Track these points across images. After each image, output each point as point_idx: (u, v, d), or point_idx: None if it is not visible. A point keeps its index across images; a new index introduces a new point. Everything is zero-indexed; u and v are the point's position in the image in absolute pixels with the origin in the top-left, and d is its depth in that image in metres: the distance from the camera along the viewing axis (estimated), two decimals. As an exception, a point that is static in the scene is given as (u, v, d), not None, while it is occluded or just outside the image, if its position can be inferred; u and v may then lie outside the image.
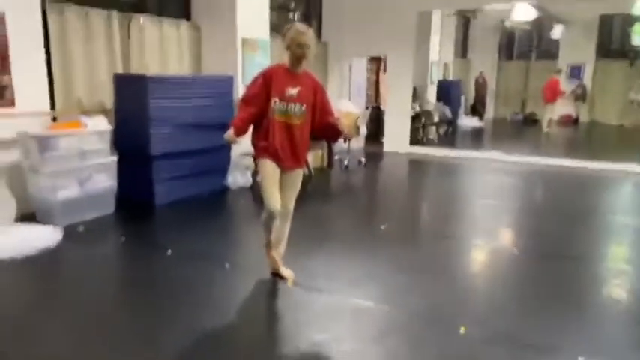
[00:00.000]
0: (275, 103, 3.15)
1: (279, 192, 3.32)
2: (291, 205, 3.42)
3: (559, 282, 3.65)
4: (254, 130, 3.31)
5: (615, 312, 3.23)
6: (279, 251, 3.52)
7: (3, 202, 4.34)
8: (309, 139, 3.38)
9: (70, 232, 4.35)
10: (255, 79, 3.25)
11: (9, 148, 4.55)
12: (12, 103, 4.59)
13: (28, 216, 4.55)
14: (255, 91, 3.20)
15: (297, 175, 3.39)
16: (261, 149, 3.25)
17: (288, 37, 3.17)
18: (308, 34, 3.18)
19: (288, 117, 3.19)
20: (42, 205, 4.58)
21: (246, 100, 3.26)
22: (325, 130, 3.41)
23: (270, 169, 3.24)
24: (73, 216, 4.59)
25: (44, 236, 4.12)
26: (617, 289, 3.59)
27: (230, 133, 3.19)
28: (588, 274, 3.85)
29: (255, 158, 3.35)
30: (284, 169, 3.30)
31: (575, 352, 2.63)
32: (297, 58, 3.18)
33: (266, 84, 3.17)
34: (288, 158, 3.26)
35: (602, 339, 2.81)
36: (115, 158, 5.00)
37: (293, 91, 3.18)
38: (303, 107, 3.22)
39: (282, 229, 3.46)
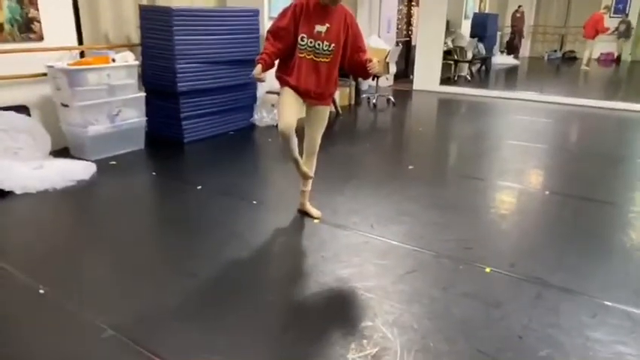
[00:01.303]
0: (303, 39, 3.05)
1: (305, 127, 3.29)
2: (318, 142, 3.38)
3: (589, 225, 3.60)
4: (280, 63, 3.21)
5: (645, 257, 3.18)
6: (305, 188, 3.53)
7: (38, 136, 4.44)
8: (337, 77, 3.29)
9: (102, 166, 4.46)
10: (285, 12, 3.10)
11: (41, 83, 4.60)
12: (40, 38, 4.59)
13: (61, 151, 4.67)
14: (284, 24, 3.06)
15: (324, 111, 3.33)
16: (286, 82, 3.17)
17: None
18: None
19: (316, 54, 3.09)
20: (74, 140, 4.68)
21: (273, 33, 3.13)
22: (355, 68, 3.29)
23: (290, 93, 3.15)
24: (104, 150, 4.68)
25: (79, 169, 4.23)
26: (648, 234, 3.53)
27: (258, 69, 3.07)
28: (620, 219, 3.78)
29: (280, 86, 3.24)
30: (309, 104, 3.25)
31: (600, 296, 2.63)
32: None
33: (295, 18, 3.04)
34: (314, 95, 3.19)
35: (630, 286, 2.79)
36: (143, 94, 5.02)
37: (322, 28, 3.05)
38: (332, 46, 3.09)
39: (308, 166, 3.45)
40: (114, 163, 4.63)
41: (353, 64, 3.25)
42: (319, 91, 3.20)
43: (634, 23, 13.50)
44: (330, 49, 3.10)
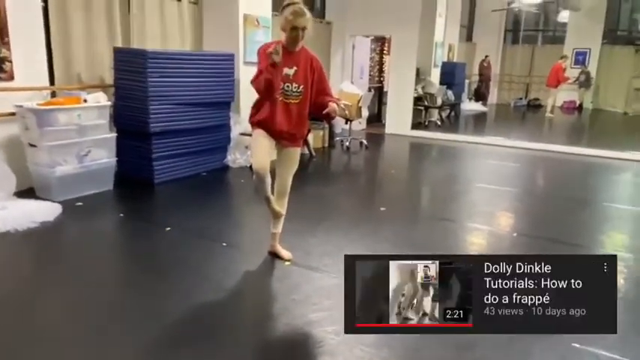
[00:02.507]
0: (276, 82, 3.09)
1: (277, 169, 3.32)
2: (288, 183, 3.39)
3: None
4: (254, 107, 3.26)
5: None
6: (275, 230, 3.50)
7: (2, 176, 4.31)
8: (307, 118, 3.34)
9: (68, 207, 4.34)
10: (260, 59, 3.13)
11: (8, 122, 4.52)
12: (11, 77, 4.54)
13: (26, 191, 4.54)
14: (266, 63, 3.02)
15: (294, 153, 3.36)
16: (258, 122, 3.21)
17: (284, 17, 3.08)
18: (304, 16, 3.06)
19: (286, 96, 3.15)
20: (40, 180, 4.57)
21: (262, 71, 3.07)
22: (320, 109, 3.30)
23: (262, 135, 3.20)
24: (71, 191, 4.57)
25: (43, 210, 4.12)
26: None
27: (276, 56, 2.95)
28: (586, 260, 3.85)
29: (252, 129, 3.29)
30: (281, 145, 3.27)
31: (570, 339, 2.63)
32: (292, 39, 3.11)
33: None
34: (286, 136, 3.23)
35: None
36: (114, 134, 4.97)
37: (290, 71, 3.13)
38: (301, 87, 3.17)
39: (280, 208, 3.44)
40: (80, 204, 4.52)
41: (318, 107, 3.29)
42: (291, 132, 3.24)
43: (593, 73, 14.26)
44: (299, 90, 3.17)
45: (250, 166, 6.13)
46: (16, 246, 3.68)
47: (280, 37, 3.25)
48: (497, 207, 5.26)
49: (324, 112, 3.23)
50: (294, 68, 3.14)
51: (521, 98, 15.63)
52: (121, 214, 4.56)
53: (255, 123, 3.24)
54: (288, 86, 3.14)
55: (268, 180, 3.25)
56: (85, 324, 2.66)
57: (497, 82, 15.69)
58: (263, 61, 3.07)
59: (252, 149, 3.29)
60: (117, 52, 5.30)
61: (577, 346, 2.55)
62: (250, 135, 3.40)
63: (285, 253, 3.50)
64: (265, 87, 3.06)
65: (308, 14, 3.11)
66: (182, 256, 3.55)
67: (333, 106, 3.22)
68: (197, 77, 5.51)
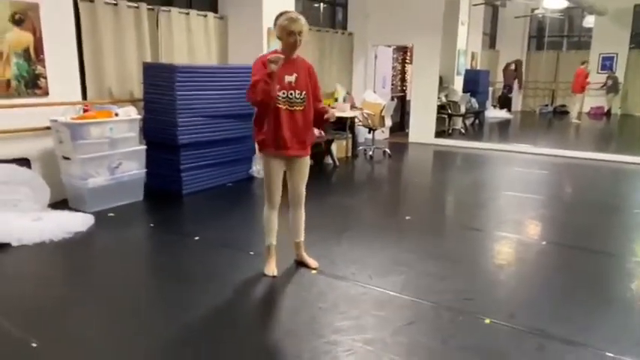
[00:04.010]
0: (278, 91, 3.12)
1: (290, 180, 3.39)
2: (303, 193, 3.44)
3: (588, 276, 3.58)
4: (256, 124, 3.27)
5: (646, 307, 3.15)
6: (298, 239, 3.55)
7: (37, 188, 4.47)
8: (312, 124, 3.36)
9: (100, 218, 4.47)
10: (255, 72, 3.10)
11: (43, 136, 4.70)
12: (46, 93, 4.73)
13: (60, 203, 4.69)
14: (262, 73, 3.01)
15: (305, 163, 3.39)
16: (266, 142, 3.22)
17: (278, 25, 3.13)
18: (299, 21, 3.12)
19: (290, 104, 3.18)
20: (74, 192, 4.72)
21: (255, 84, 3.05)
22: (315, 117, 3.35)
23: (273, 164, 3.26)
24: (103, 202, 4.71)
25: (76, 221, 4.25)
26: (647, 284, 3.51)
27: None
28: (618, 269, 3.77)
29: (260, 152, 3.33)
30: (291, 157, 3.30)
31: (602, 347, 2.59)
32: (290, 46, 3.14)
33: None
34: (295, 146, 3.26)
35: (632, 337, 2.75)
36: (144, 147, 5.10)
37: (291, 78, 3.15)
38: (304, 93, 3.20)
39: (297, 218, 3.49)
40: (112, 214, 4.65)
41: (315, 114, 3.33)
42: (300, 140, 3.27)
43: (621, 78, 13.97)
44: (302, 97, 3.20)
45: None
46: (51, 256, 3.80)
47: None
48: (525, 215, 5.19)
49: (325, 117, 3.31)
50: (295, 75, 3.17)
51: (547, 105, 15.40)
52: (151, 225, 4.67)
53: (263, 142, 3.25)
54: (292, 94, 3.16)
55: (275, 218, 3.39)
56: (114, 332, 2.73)
57: (523, 88, 15.49)
58: (258, 72, 3.05)
59: (265, 184, 3.34)
60: (146, 67, 5.46)
61: (611, 355, 2.51)
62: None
63: (311, 261, 3.54)
64: (262, 96, 3.00)
65: (303, 19, 3.16)
66: (210, 264, 3.62)
67: (332, 111, 3.36)
68: (223, 90, 5.62)
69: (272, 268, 3.42)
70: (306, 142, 3.34)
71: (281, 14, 3.17)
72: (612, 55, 14.00)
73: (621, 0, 12.48)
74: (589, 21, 14.27)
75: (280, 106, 3.15)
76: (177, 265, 3.67)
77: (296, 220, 3.51)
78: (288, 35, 3.10)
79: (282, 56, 3.01)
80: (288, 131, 3.19)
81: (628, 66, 14.03)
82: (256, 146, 3.42)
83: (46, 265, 3.70)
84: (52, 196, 4.57)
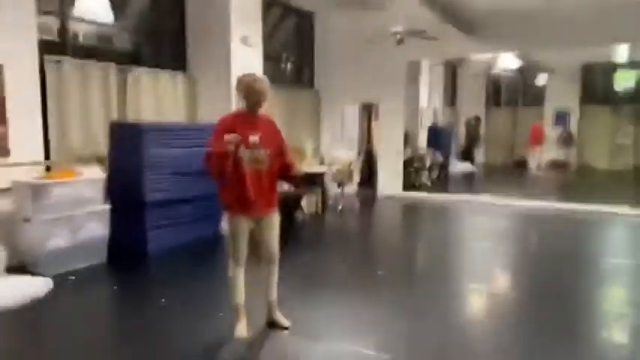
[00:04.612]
0: (242, 151, 3.13)
1: (260, 239, 3.34)
2: (276, 249, 3.39)
3: (559, 325, 3.59)
4: (221, 186, 3.28)
5: (618, 358, 3.16)
6: (270, 298, 3.45)
7: (-7, 252, 4.26)
8: (277, 181, 3.38)
9: (60, 281, 4.26)
10: (216, 136, 3.13)
11: (1, 198, 4.52)
12: (7, 153, 4.60)
13: (17, 267, 4.46)
14: (221, 147, 3.06)
15: (273, 220, 3.38)
16: (234, 204, 3.23)
17: (243, 84, 3.21)
18: (263, 81, 3.25)
19: (255, 164, 3.19)
20: (32, 255, 4.50)
21: (212, 155, 3.13)
22: (283, 171, 3.39)
23: (240, 224, 3.24)
24: (64, 265, 4.51)
25: (34, 286, 4.03)
26: (618, 334, 3.54)
27: (231, 135, 3.01)
28: (589, 318, 3.81)
29: (226, 213, 3.32)
30: (260, 216, 3.29)
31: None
32: (254, 104, 3.22)
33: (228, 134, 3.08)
34: (262, 204, 3.26)
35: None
36: (107, 206, 4.98)
37: (255, 137, 3.17)
38: (268, 152, 3.23)
39: (270, 275, 3.42)
40: (73, 277, 4.44)
41: (280, 167, 3.36)
42: (265, 199, 3.27)
43: (575, 132, 14.74)
44: (266, 155, 3.22)
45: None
46: (7, 323, 3.57)
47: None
48: (494, 265, 5.25)
49: (291, 172, 3.37)
50: (259, 134, 3.20)
51: (507, 158, 16.00)
52: (115, 287, 4.48)
53: (228, 203, 3.26)
54: (256, 153, 3.18)
55: (242, 278, 3.33)
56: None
57: (483, 142, 16.08)
58: (216, 141, 3.09)
59: (231, 244, 3.31)
60: (113, 126, 5.41)
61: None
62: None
63: (283, 320, 3.44)
64: (216, 174, 3.15)
65: (266, 79, 3.29)
66: (178, 329, 3.46)
67: (298, 167, 3.45)
68: (191, 147, 5.60)
69: (242, 330, 3.29)
70: (272, 200, 3.33)
71: (244, 76, 3.27)
72: (566, 110, 14.79)
73: (569, 59, 13.34)
74: (542, 79, 15.14)
75: (245, 166, 3.16)
76: (143, 330, 3.49)
77: (269, 278, 3.42)
78: (253, 94, 3.18)
79: (239, 137, 3.04)
80: (254, 192, 3.19)
81: (581, 120, 14.83)
82: (221, 205, 3.38)
83: (2, 335, 3.46)
84: (8, 260, 4.35)
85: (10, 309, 3.67)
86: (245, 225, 3.26)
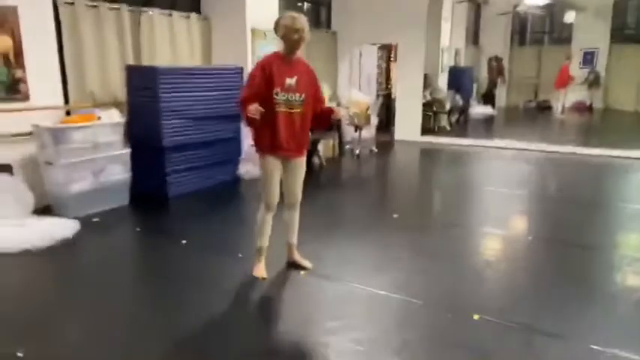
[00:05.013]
0: (277, 93, 3.13)
1: (285, 181, 3.37)
2: (299, 194, 3.44)
3: (573, 270, 3.63)
4: (254, 127, 3.24)
5: (630, 301, 3.20)
6: (291, 241, 3.55)
7: (20, 195, 4.40)
8: (309, 126, 3.37)
9: (85, 223, 4.41)
10: (252, 76, 3.18)
11: (25, 142, 4.62)
12: (26, 97, 4.65)
13: (44, 208, 4.62)
14: (254, 90, 3.12)
15: (302, 163, 3.41)
16: (266, 145, 3.23)
17: (282, 25, 3.14)
18: (301, 18, 3.17)
19: (289, 106, 3.18)
20: (57, 197, 4.65)
21: (248, 98, 3.11)
22: (319, 117, 3.39)
23: (271, 166, 3.26)
24: (88, 207, 4.65)
25: (61, 227, 4.19)
26: (632, 278, 3.57)
27: (255, 107, 3.01)
28: (603, 262, 3.83)
29: (258, 153, 3.32)
30: (289, 158, 3.30)
31: (588, 340, 2.63)
32: (294, 45, 3.16)
33: (265, 76, 3.12)
34: (292, 147, 3.27)
35: (616, 328, 2.80)
36: (128, 150, 5.05)
37: (292, 80, 3.16)
38: (303, 96, 3.21)
39: (292, 219, 3.49)
40: (97, 220, 4.59)
41: (317, 115, 3.36)
42: (297, 142, 3.28)
43: (602, 73, 14.17)
44: (301, 99, 3.21)
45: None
46: (35, 263, 3.75)
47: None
48: (511, 210, 5.25)
49: (332, 117, 3.33)
50: (295, 77, 3.18)
51: (530, 100, 15.55)
52: (138, 229, 4.62)
53: (260, 143, 3.25)
54: (291, 96, 3.17)
55: (270, 221, 3.39)
56: (103, 340, 2.70)
57: (506, 84, 15.61)
58: (249, 88, 3.16)
59: (263, 182, 3.31)
60: (128, 69, 5.40)
61: (596, 348, 2.55)
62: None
63: (305, 262, 3.54)
64: (247, 122, 3.15)
65: (304, 18, 3.20)
66: (199, 268, 3.59)
67: (338, 110, 3.39)
68: (207, 91, 5.58)
69: (262, 271, 3.41)
70: (303, 143, 3.35)
71: (281, 17, 3.20)
72: (593, 50, 14.18)
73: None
74: (570, 16, 14.44)
75: (279, 108, 3.15)
76: (165, 270, 3.64)
77: (291, 221, 3.50)
78: (294, 32, 3.11)
79: (261, 109, 3.01)
80: (285, 133, 3.20)
81: (609, 60, 14.22)
82: (253, 147, 3.39)
83: (31, 273, 3.65)
84: (35, 203, 4.51)
85: (39, 250, 3.83)
86: (277, 166, 3.27)
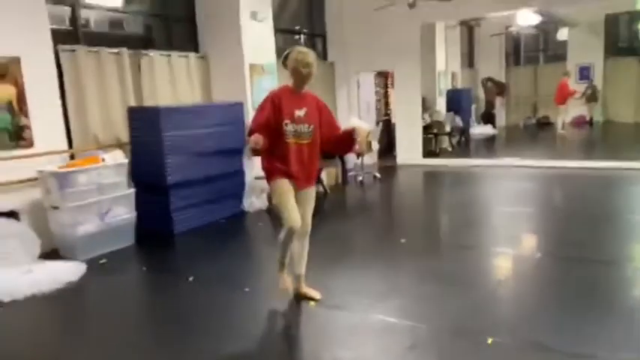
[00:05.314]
0: (287, 125, 3.19)
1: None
2: (309, 223, 3.44)
3: (587, 286, 3.57)
4: (266, 154, 3.29)
5: (646, 313, 3.14)
6: (300, 272, 3.52)
7: (27, 240, 4.42)
8: (319, 158, 3.42)
9: (92, 265, 4.41)
10: (262, 107, 3.25)
11: (30, 188, 4.66)
12: (31, 144, 4.72)
13: (51, 252, 4.63)
14: (263, 119, 3.19)
15: (312, 193, 3.44)
16: (276, 170, 3.25)
17: (292, 59, 3.21)
18: (310, 53, 3.25)
19: (298, 138, 3.24)
20: (64, 241, 4.66)
21: (254, 130, 3.18)
22: (339, 143, 3.44)
23: (285, 186, 3.25)
24: (94, 249, 4.65)
25: (68, 271, 4.19)
26: (646, 290, 3.50)
27: (256, 137, 3.08)
28: (616, 277, 3.76)
29: (269, 180, 3.34)
30: (299, 188, 3.32)
31: (605, 357, 2.57)
32: (303, 79, 3.23)
33: (274, 108, 3.19)
34: (302, 178, 3.30)
35: (634, 345, 2.73)
36: (132, 190, 5.09)
37: (301, 112, 3.23)
38: (311, 127, 3.27)
39: (302, 248, 3.48)
40: (104, 261, 4.59)
41: (336, 141, 3.41)
42: (306, 172, 3.31)
43: (600, 86, 14.25)
44: (310, 130, 3.26)
45: (267, 209, 6.23)
46: (43, 308, 3.73)
47: (288, 81, 3.36)
48: (518, 229, 5.21)
49: (352, 137, 3.33)
50: (304, 109, 3.25)
51: (530, 117, 15.61)
52: (144, 268, 4.61)
53: (276, 171, 3.25)
54: (300, 127, 3.23)
55: (293, 241, 3.34)
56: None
57: (505, 103, 15.71)
58: (257, 117, 3.24)
59: (280, 204, 3.28)
60: (130, 111, 5.49)
61: None
62: (264, 178, 3.44)
63: (314, 292, 3.50)
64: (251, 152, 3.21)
65: (313, 52, 3.28)
66: (206, 305, 3.57)
67: (359, 128, 3.36)
68: (209, 128, 5.66)
69: (286, 283, 3.44)
70: (312, 174, 3.38)
71: (290, 51, 3.26)
72: (588, 64, 14.30)
73: (592, 11, 12.81)
74: (563, 34, 14.63)
75: (288, 140, 3.20)
76: (173, 309, 3.61)
77: (301, 251, 3.47)
78: (304, 67, 3.17)
79: (261, 141, 3.06)
80: (295, 165, 3.24)
81: (605, 74, 14.33)
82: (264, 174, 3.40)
83: (39, 319, 3.62)
84: (42, 247, 4.52)
85: (46, 294, 3.82)
86: (290, 187, 3.26)
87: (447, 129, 11.01)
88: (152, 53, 6.02)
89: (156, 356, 2.95)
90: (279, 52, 6.94)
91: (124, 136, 5.60)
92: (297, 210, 3.25)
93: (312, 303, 3.43)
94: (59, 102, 5.01)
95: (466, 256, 4.41)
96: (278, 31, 7.18)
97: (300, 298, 3.50)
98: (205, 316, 3.39)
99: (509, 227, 5.31)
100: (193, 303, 3.63)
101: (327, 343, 2.92)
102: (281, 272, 3.47)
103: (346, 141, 3.42)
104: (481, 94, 14.74)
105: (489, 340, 2.80)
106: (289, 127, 3.19)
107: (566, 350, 2.66)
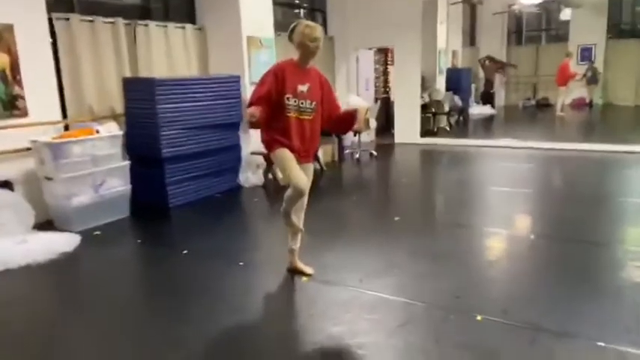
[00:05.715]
0: (288, 99, 3.15)
1: None
2: (306, 198, 3.41)
3: (578, 267, 3.60)
4: (266, 127, 3.26)
5: (636, 297, 3.17)
6: (296, 246, 3.51)
7: (21, 210, 4.41)
8: (319, 134, 3.39)
9: (86, 236, 4.41)
10: (264, 79, 3.20)
11: (24, 158, 4.63)
12: (25, 114, 4.67)
13: (45, 223, 4.63)
14: (264, 92, 3.14)
15: (310, 168, 3.42)
16: (277, 142, 3.21)
17: (298, 32, 3.14)
18: (318, 27, 3.19)
19: (300, 113, 3.20)
20: (58, 212, 4.66)
21: (253, 103, 3.16)
22: (339, 122, 3.42)
23: (288, 153, 3.21)
24: (88, 221, 4.65)
25: (62, 241, 4.19)
26: (637, 273, 3.53)
27: (252, 109, 3.06)
28: (608, 258, 3.80)
29: (270, 151, 3.30)
30: (299, 161, 3.28)
31: (593, 337, 2.60)
32: (309, 54, 3.17)
33: (277, 81, 3.14)
34: (302, 153, 3.28)
35: (623, 324, 2.76)
36: (127, 162, 5.06)
37: (304, 87, 3.19)
38: (314, 103, 3.23)
39: (298, 221, 3.45)
40: (98, 233, 4.59)
41: (336, 119, 3.39)
42: (306, 147, 3.28)
43: (600, 68, 14.14)
44: (312, 106, 3.23)
45: (263, 185, 6.23)
46: (37, 278, 3.74)
47: (286, 56, 3.31)
48: (513, 209, 5.22)
49: (353, 118, 3.32)
50: (307, 85, 3.20)
51: (529, 98, 15.53)
52: (139, 240, 4.62)
53: (275, 142, 3.22)
54: (302, 102, 3.19)
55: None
56: (107, 353, 2.69)
57: (505, 83, 15.60)
58: (259, 89, 3.17)
59: (285, 169, 3.24)
60: (126, 82, 5.42)
61: (602, 345, 2.52)
62: (261, 154, 3.43)
63: (307, 268, 3.52)
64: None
65: (320, 27, 3.22)
66: (200, 278, 3.58)
67: (360, 110, 3.35)
68: (205, 101, 5.60)
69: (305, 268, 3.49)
70: (311, 150, 3.36)
71: (297, 24, 3.19)
72: (590, 46, 14.17)
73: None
74: (566, 14, 14.46)
75: (290, 114, 3.17)
76: (166, 281, 3.63)
77: (297, 223, 3.44)
78: (311, 41, 3.12)
79: (257, 113, 3.03)
80: (297, 140, 3.21)
81: (607, 56, 14.21)
82: (263, 145, 3.37)
83: (34, 288, 3.64)
84: (36, 218, 4.52)
85: (40, 264, 3.83)
86: (291, 153, 3.21)
87: (446, 108, 10.94)
88: (148, 24, 5.91)
89: (149, 326, 2.98)
90: (277, 25, 6.84)
91: (119, 107, 5.54)
92: (302, 173, 3.22)
93: (304, 278, 3.46)
94: (53, 72, 4.94)
95: (460, 234, 4.43)
96: (277, 3, 7.05)
97: (293, 272, 3.52)
98: (199, 288, 3.41)
99: (504, 207, 5.32)
100: (187, 276, 3.65)
101: (320, 318, 2.94)
102: (292, 256, 3.48)
103: (346, 121, 3.40)
104: (481, 72, 14.63)
105: (479, 318, 2.83)
106: (291, 102, 3.15)
107: (554, 329, 2.69)
